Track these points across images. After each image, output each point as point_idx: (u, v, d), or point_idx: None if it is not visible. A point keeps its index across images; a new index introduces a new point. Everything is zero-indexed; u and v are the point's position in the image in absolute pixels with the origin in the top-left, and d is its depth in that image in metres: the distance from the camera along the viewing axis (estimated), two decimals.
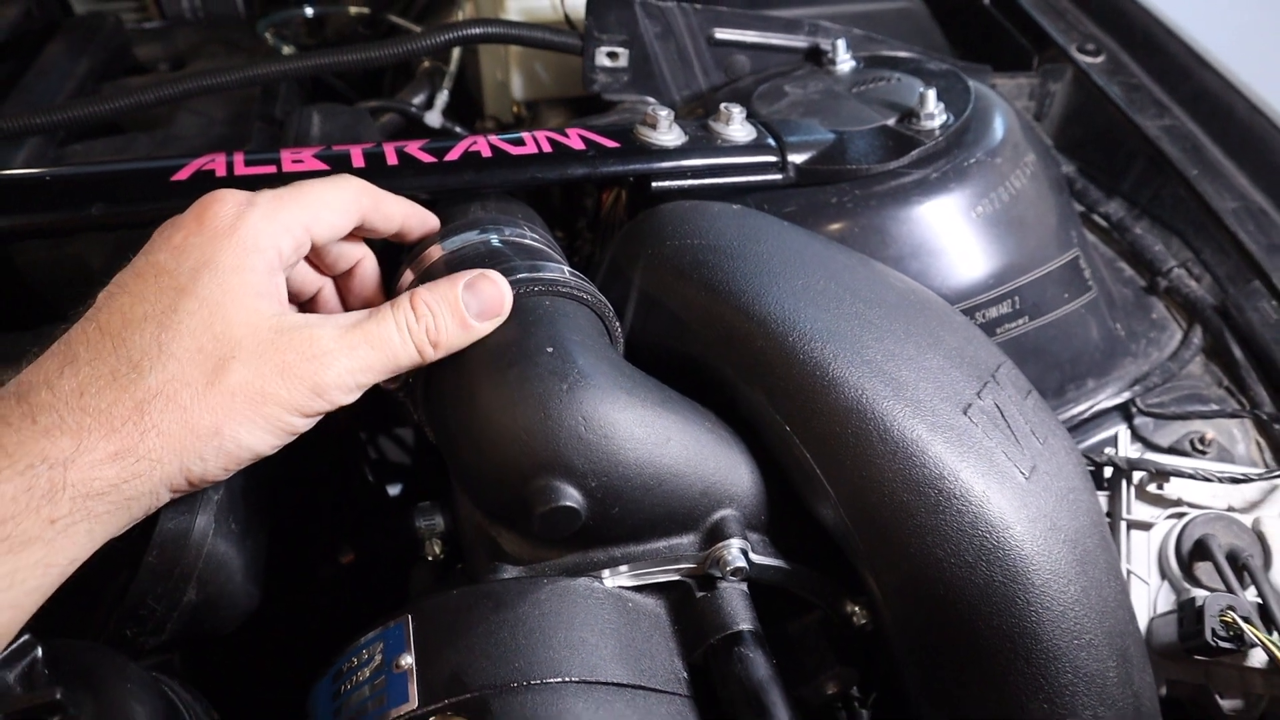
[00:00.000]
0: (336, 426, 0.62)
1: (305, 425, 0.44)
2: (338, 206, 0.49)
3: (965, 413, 0.51)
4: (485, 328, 0.48)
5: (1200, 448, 0.67)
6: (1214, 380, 0.72)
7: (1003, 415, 0.52)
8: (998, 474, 0.49)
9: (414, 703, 0.42)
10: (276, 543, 0.57)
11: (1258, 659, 0.54)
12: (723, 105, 0.66)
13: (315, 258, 0.52)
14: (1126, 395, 0.69)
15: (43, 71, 0.82)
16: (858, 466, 0.49)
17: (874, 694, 0.58)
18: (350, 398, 0.45)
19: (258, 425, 0.42)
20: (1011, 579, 0.47)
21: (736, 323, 0.53)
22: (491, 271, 0.49)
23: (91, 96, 0.69)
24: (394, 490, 0.80)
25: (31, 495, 0.37)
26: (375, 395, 0.53)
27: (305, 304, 0.54)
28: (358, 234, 0.52)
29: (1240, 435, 0.69)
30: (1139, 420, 0.70)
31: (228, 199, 0.45)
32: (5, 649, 0.36)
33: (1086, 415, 0.69)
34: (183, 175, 0.55)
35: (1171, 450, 0.68)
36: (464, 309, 0.47)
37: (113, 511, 0.39)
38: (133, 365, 0.40)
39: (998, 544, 0.47)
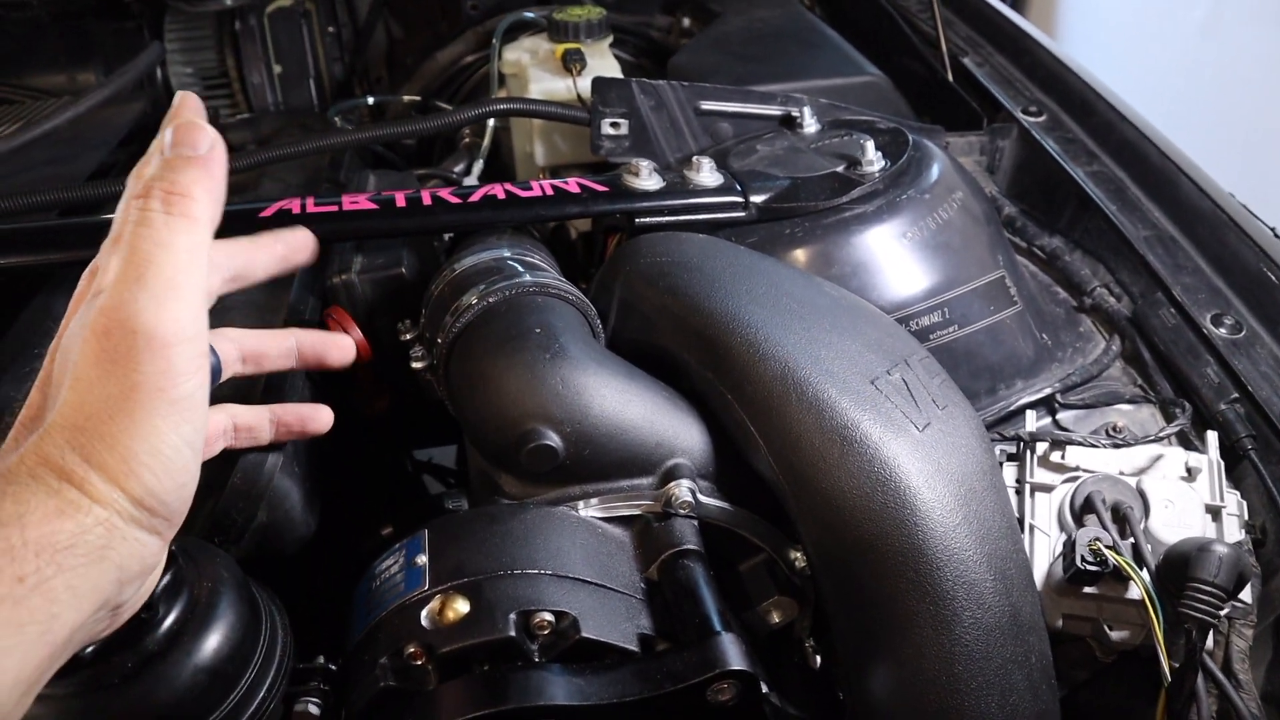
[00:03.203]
0: (375, 411, 0.77)
1: (195, 372, 0.42)
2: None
3: (873, 383, 0.63)
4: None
5: (1113, 435, 0.78)
6: (1130, 381, 0.83)
7: (907, 386, 0.65)
8: (894, 426, 0.61)
9: (426, 586, 0.55)
10: (329, 506, 0.71)
11: (1136, 593, 0.63)
12: (694, 157, 0.82)
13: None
14: (1048, 391, 0.80)
15: None
16: (782, 422, 0.61)
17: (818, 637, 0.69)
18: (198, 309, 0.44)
19: (172, 414, 0.41)
20: (900, 504, 0.58)
21: (691, 319, 0.67)
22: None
23: None
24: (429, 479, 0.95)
25: None
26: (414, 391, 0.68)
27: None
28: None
29: (1153, 423, 0.79)
30: (1062, 414, 0.81)
31: None
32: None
33: (1013, 408, 0.80)
34: (268, 213, 0.71)
35: None
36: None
37: (89, 563, 0.38)
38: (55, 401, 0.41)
39: (889, 477, 0.58)
